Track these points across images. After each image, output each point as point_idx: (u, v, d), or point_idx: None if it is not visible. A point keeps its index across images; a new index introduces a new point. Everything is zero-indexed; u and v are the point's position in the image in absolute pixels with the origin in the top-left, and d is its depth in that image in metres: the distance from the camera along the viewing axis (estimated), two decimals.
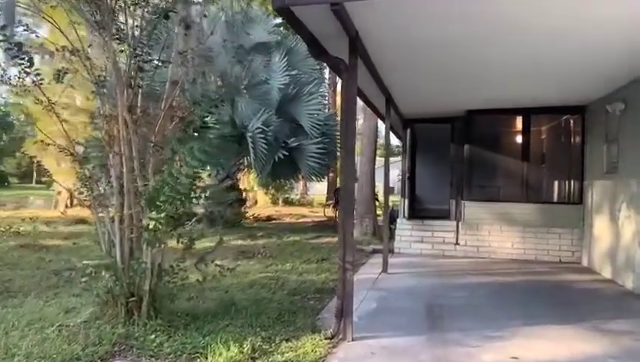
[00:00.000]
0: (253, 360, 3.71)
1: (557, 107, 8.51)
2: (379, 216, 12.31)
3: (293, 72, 11.90)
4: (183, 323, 4.40)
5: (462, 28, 4.40)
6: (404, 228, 9.56)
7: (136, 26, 4.49)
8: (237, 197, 13.90)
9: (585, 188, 8.22)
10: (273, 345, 3.99)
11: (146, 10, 4.49)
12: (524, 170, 8.84)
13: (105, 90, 4.45)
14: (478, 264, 8.23)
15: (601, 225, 7.46)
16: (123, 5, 4.39)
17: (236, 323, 4.48)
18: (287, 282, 6.51)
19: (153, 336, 4.03)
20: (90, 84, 4.46)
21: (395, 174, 17.21)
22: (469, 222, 9.01)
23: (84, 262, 4.63)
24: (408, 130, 10.30)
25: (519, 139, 9.11)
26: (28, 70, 4.13)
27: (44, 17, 4.53)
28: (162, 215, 4.07)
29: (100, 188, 4.67)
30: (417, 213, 10.27)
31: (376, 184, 12.98)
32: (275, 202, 25.46)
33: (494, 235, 8.83)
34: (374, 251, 9.31)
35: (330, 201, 17.85)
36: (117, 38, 4.37)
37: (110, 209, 4.54)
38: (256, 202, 24.52)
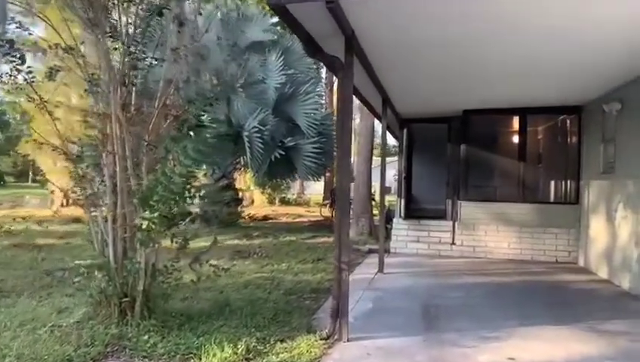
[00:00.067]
0: (247, 361, 3.68)
1: (553, 107, 8.51)
2: (375, 215, 12.29)
3: (289, 71, 11.87)
4: (176, 323, 4.36)
5: (461, 28, 4.38)
6: (401, 228, 9.55)
7: (130, 23, 4.44)
8: (233, 197, 13.85)
9: (581, 188, 8.21)
10: (268, 345, 3.96)
11: (139, 7, 4.45)
12: (520, 170, 8.83)
13: (98, 89, 4.40)
14: (474, 264, 8.22)
15: (597, 225, 7.45)
16: (116, 2, 4.34)
17: (231, 323, 4.45)
18: (283, 282, 6.48)
19: (147, 337, 4.00)
20: (85, 82, 4.42)
21: (392, 174, 17.20)
22: (465, 222, 9.00)
23: (77, 261, 4.59)
24: (405, 130, 10.28)
25: (516, 139, 9.10)
26: (20, 67, 4.08)
27: (36, 14, 4.47)
28: (155, 214, 4.03)
29: (94, 187, 4.62)
30: (414, 212, 10.25)
31: (373, 184, 12.97)
32: (271, 202, 25.42)
33: (491, 235, 8.82)
34: (370, 251, 9.29)
35: (327, 201, 17.83)
36: (110, 36, 4.32)
37: (103, 208, 4.49)
38: (252, 201, 24.45)
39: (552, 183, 9.55)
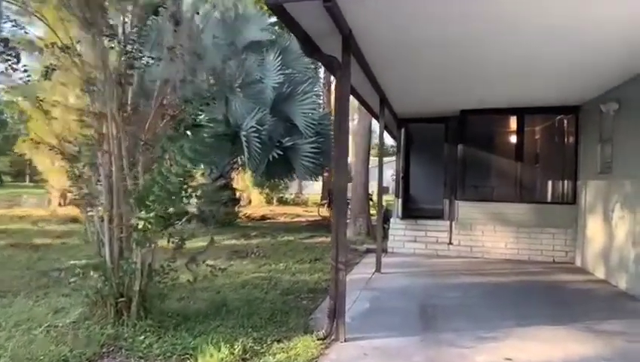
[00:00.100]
0: (244, 361, 3.67)
1: (551, 107, 8.51)
2: (373, 215, 12.29)
3: (287, 71, 11.84)
4: (173, 323, 4.35)
5: (461, 28, 4.38)
6: (398, 228, 9.55)
7: (126, 22, 4.42)
8: (230, 197, 13.82)
9: (578, 188, 8.22)
10: (265, 345, 3.96)
11: (136, 6, 4.43)
12: (517, 170, 8.84)
13: (94, 88, 4.38)
14: (471, 264, 8.22)
15: (594, 226, 7.46)
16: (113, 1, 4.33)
17: (227, 323, 4.44)
18: (280, 282, 6.47)
19: (143, 337, 3.99)
20: (82, 82, 4.40)
21: (389, 174, 17.22)
22: (462, 222, 9.00)
23: (72, 261, 4.57)
24: (402, 130, 10.28)
25: (513, 139, 9.11)
26: (15, 66, 4.06)
27: (32, 13, 4.44)
28: (152, 214, 4.02)
29: (90, 187, 4.60)
30: (411, 212, 10.25)
31: (371, 183, 12.96)
32: (269, 201, 25.38)
33: (488, 235, 8.83)
34: (368, 251, 9.28)
35: (325, 201, 17.83)
36: (107, 35, 4.30)
37: (99, 208, 4.47)
38: (250, 201, 24.42)
39: (550, 183, 9.56)
